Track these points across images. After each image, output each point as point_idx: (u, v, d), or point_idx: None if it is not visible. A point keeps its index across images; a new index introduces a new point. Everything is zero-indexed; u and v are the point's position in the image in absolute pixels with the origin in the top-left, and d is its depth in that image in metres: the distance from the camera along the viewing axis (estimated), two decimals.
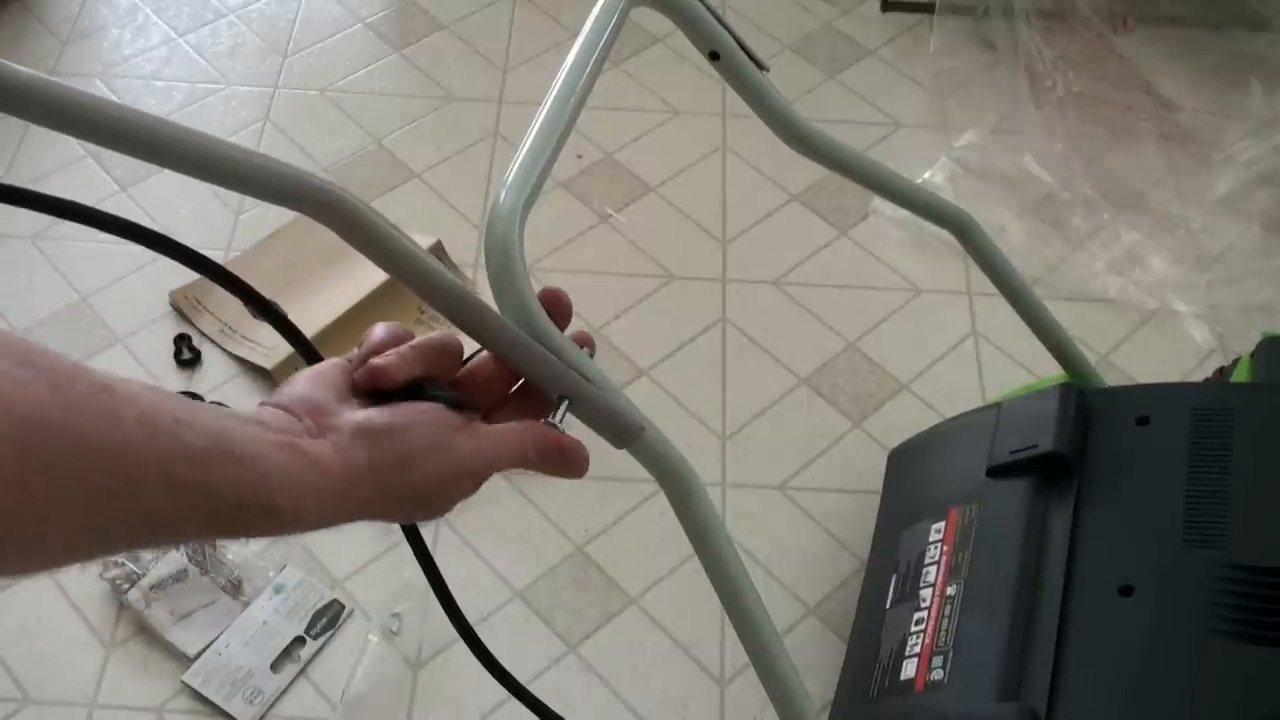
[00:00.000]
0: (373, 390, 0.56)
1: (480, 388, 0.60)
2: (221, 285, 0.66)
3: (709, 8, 0.82)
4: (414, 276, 0.56)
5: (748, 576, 0.77)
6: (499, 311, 0.60)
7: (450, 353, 0.59)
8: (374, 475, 0.53)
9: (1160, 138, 1.76)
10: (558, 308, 0.62)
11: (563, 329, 0.62)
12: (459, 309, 0.57)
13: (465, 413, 0.58)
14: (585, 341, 0.63)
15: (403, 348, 0.57)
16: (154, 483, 0.44)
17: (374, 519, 0.56)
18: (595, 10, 0.73)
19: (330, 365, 0.57)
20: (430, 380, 0.58)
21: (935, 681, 0.99)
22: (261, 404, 0.54)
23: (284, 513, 0.50)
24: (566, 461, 0.60)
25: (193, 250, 0.63)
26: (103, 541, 0.45)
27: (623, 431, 0.65)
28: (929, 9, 1.91)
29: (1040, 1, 1.80)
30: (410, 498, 0.55)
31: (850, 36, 1.93)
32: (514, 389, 0.62)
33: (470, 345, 0.61)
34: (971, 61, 1.87)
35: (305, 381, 0.56)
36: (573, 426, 0.61)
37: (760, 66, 0.88)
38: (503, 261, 0.60)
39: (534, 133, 0.65)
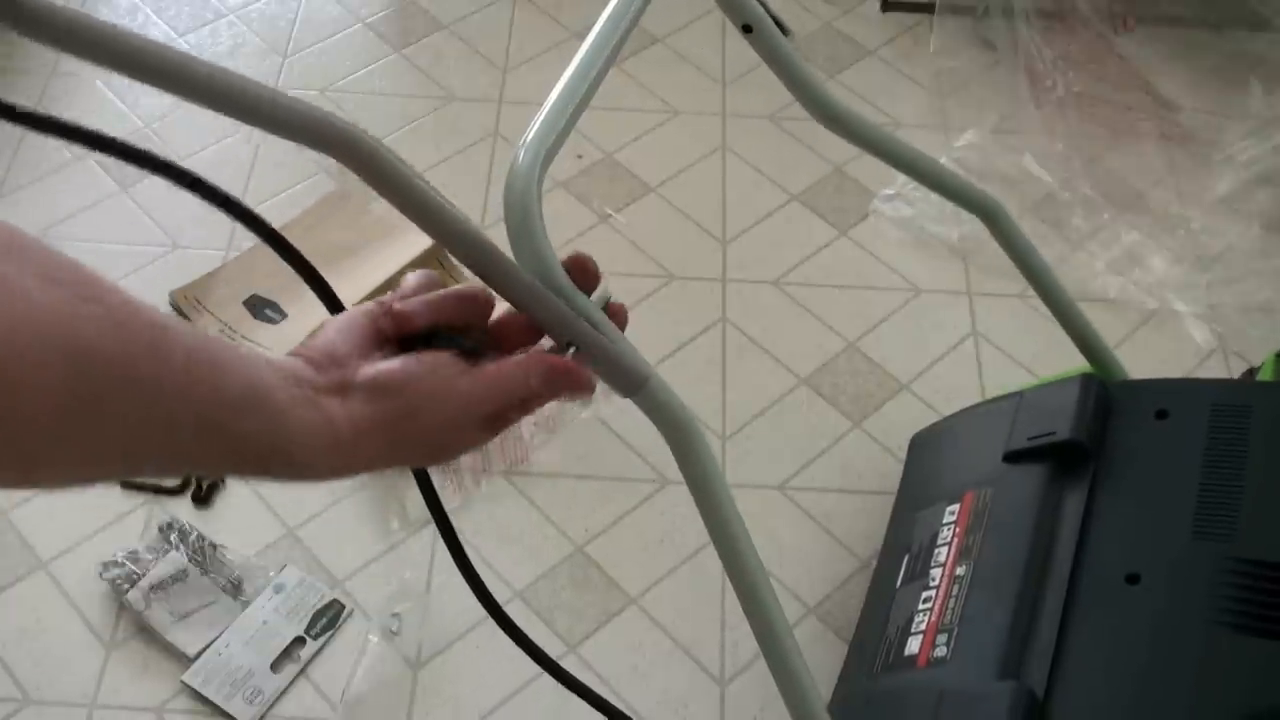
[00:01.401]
0: (396, 336, 0.58)
1: (507, 341, 0.61)
2: (275, 248, 0.65)
3: None
4: (430, 219, 0.57)
5: (746, 531, 0.77)
6: (517, 263, 0.60)
7: (479, 301, 0.60)
8: (381, 429, 0.55)
9: (1160, 138, 1.76)
10: (584, 274, 0.62)
11: (589, 292, 0.62)
12: (471, 251, 0.58)
13: (480, 359, 0.58)
14: (617, 312, 0.64)
15: (429, 295, 0.59)
16: (189, 424, 0.47)
17: (388, 468, 0.58)
18: None
19: (358, 313, 0.59)
20: (451, 329, 0.59)
21: (938, 658, 1.01)
22: (292, 352, 0.56)
23: (298, 462, 0.52)
24: (572, 382, 0.59)
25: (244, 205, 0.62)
26: (130, 467, 0.49)
27: (629, 380, 0.65)
28: (929, 9, 1.91)
29: (1040, 1, 1.80)
30: (419, 444, 0.57)
31: (850, 36, 1.93)
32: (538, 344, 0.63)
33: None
34: (971, 61, 1.87)
35: (332, 331, 0.57)
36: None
37: (784, 31, 0.88)
38: (521, 216, 0.60)
39: (558, 92, 0.65)
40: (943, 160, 1.72)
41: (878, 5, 1.97)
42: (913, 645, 1.04)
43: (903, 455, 1.39)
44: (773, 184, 1.71)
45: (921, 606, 1.07)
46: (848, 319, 1.56)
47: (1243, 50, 1.87)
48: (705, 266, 1.61)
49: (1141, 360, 1.52)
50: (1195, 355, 1.54)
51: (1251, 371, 1.31)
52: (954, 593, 1.05)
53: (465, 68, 1.86)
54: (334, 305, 0.68)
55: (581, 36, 1.86)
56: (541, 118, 0.64)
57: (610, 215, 1.67)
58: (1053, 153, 1.72)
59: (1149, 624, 0.96)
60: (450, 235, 0.57)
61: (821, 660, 1.25)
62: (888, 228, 1.65)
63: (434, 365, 0.56)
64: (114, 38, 0.45)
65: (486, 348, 0.59)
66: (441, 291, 0.59)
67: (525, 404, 0.60)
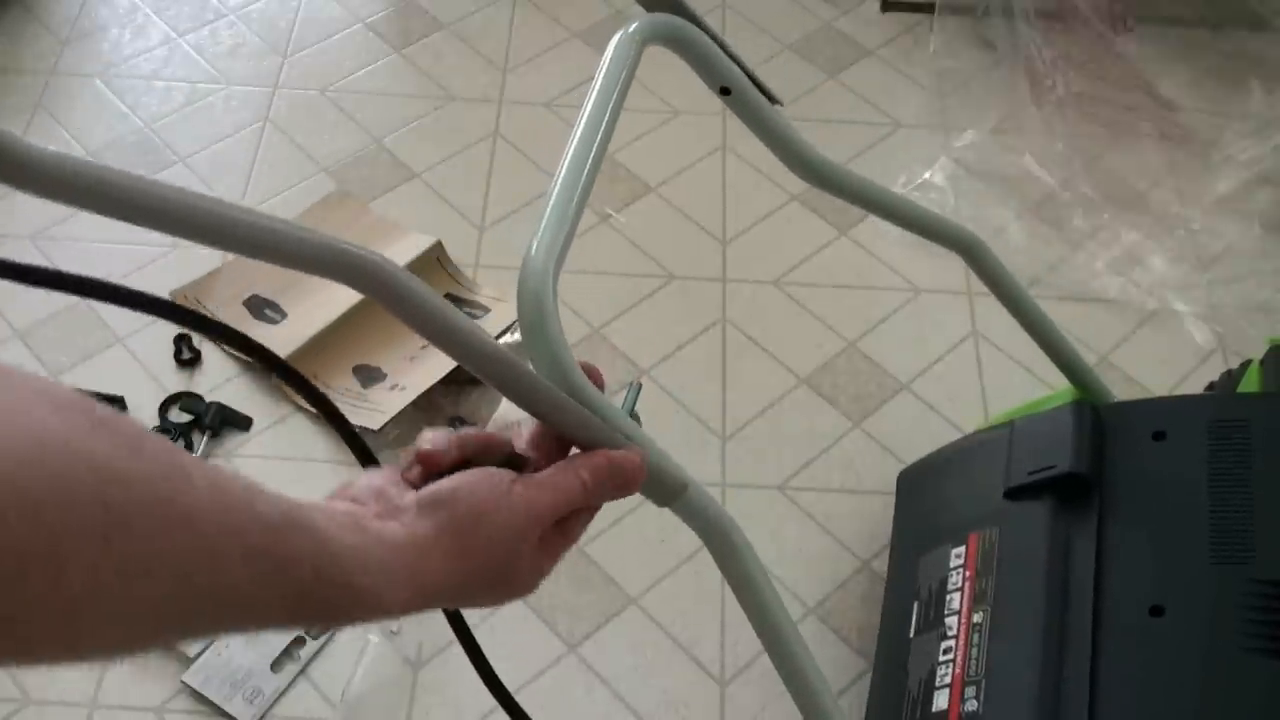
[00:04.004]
0: (425, 478, 0.57)
1: (542, 458, 0.60)
2: (202, 332, 0.65)
3: (721, 44, 0.81)
4: (457, 344, 0.55)
5: (793, 624, 0.76)
6: (533, 366, 0.59)
7: (494, 446, 0.59)
8: (442, 542, 0.52)
9: (1160, 138, 1.76)
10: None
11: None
12: (503, 374, 0.57)
13: (523, 471, 0.58)
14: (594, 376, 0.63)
15: (450, 435, 0.58)
16: (232, 551, 0.43)
17: (459, 601, 0.56)
18: (609, 52, 0.72)
19: (385, 469, 0.58)
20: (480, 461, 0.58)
21: (970, 712, 0.98)
22: (326, 499, 0.54)
23: (364, 592, 0.49)
24: (621, 473, 0.59)
25: (161, 299, 0.62)
26: (187, 616, 0.43)
27: (666, 488, 0.64)
28: (929, 9, 1.91)
29: (1040, 1, 1.80)
30: (487, 562, 0.54)
31: (850, 36, 1.93)
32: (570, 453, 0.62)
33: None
34: (971, 61, 1.87)
35: (365, 477, 0.56)
36: None
37: (773, 100, 0.88)
38: (536, 317, 0.59)
39: (559, 183, 0.64)
40: (942, 160, 1.72)
41: (878, 5, 1.97)
42: (940, 700, 1.02)
43: (903, 455, 1.40)
44: (773, 184, 1.71)
45: (943, 658, 1.05)
46: (848, 319, 1.56)
47: (1243, 50, 1.87)
48: (705, 266, 1.61)
49: (1141, 360, 1.52)
50: (1195, 355, 1.54)
51: (1230, 373, 1.29)
52: (975, 641, 1.03)
53: (465, 68, 1.86)
54: (366, 459, 0.67)
55: (582, 37, 1.87)
56: (550, 206, 0.62)
57: (610, 215, 1.67)
58: (1053, 153, 1.72)
59: (1181, 657, 0.94)
60: (480, 358, 0.56)
61: (822, 660, 1.24)
62: (888, 228, 1.65)
63: (484, 475, 0.55)
64: (117, 186, 0.43)
65: (525, 465, 0.59)
66: (462, 433, 0.58)
67: (583, 513, 0.59)
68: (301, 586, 0.47)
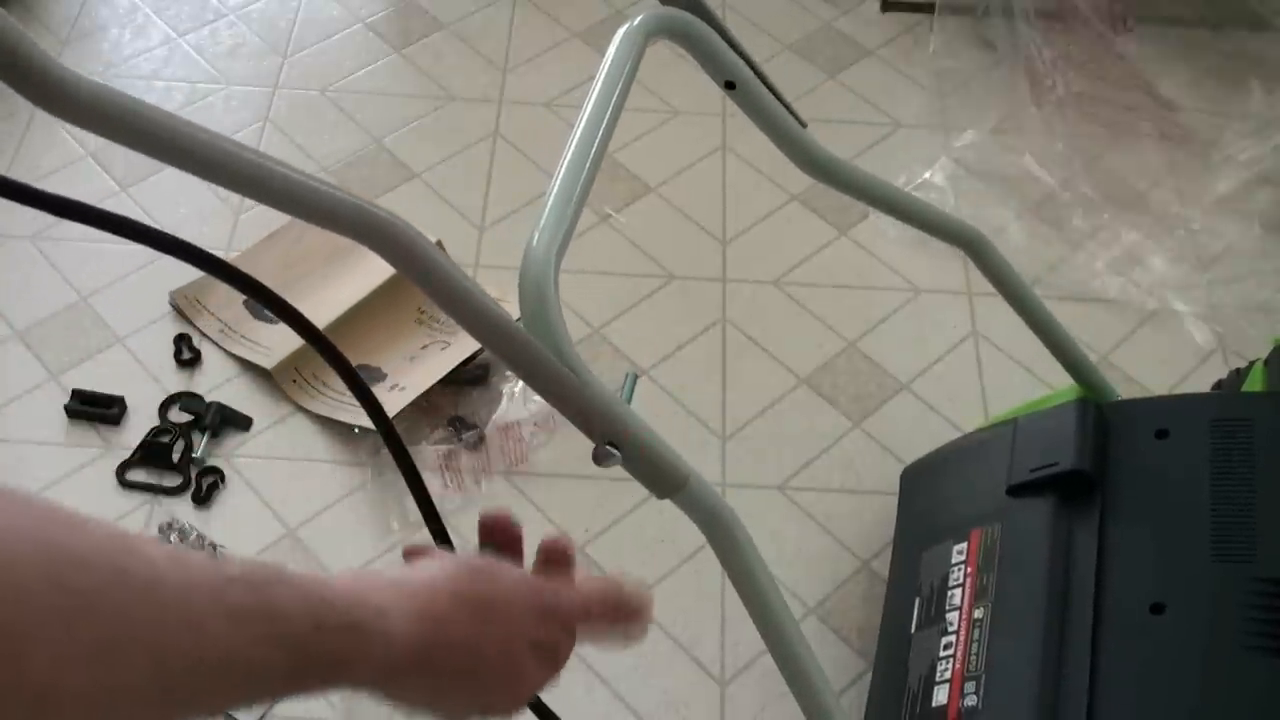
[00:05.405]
0: None
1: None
2: (231, 284, 0.66)
3: (729, 39, 0.81)
4: (468, 313, 0.55)
5: (793, 620, 0.77)
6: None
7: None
8: (455, 582, 0.51)
9: (1160, 138, 1.76)
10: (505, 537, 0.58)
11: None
12: (512, 349, 0.57)
13: None
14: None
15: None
16: (211, 612, 0.40)
17: (461, 669, 0.51)
18: (613, 46, 0.72)
19: None
20: None
21: (969, 708, 0.98)
22: None
23: (367, 628, 0.46)
24: (626, 610, 0.57)
25: (203, 250, 0.63)
26: (180, 691, 0.40)
27: (668, 479, 0.64)
28: (929, 9, 1.91)
29: (1040, 1, 1.80)
30: (493, 623, 0.52)
31: (850, 36, 1.93)
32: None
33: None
34: (971, 61, 1.87)
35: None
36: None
37: (801, 124, 0.89)
38: (538, 306, 0.59)
39: (562, 174, 0.64)
40: (942, 160, 1.72)
41: (878, 5, 1.97)
42: (940, 695, 1.02)
43: (903, 455, 1.40)
44: (773, 184, 1.71)
45: (943, 653, 1.05)
46: (848, 319, 1.56)
47: (1243, 50, 1.87)
48: (705, 266, 1.61)
49: (1141, 360, 1.52)
50: (1195, 355, 1.53)
51: (1239, 372, 1.29)
52: (975, 637, 1.03)
53: (465, 68, 1.86)
54: (307, 331, 0.67)
55: (581, 37, 1.86)
56: (552, 197, 0.63)
57: (610, 215, 1.67)
58: (1053, 153, 1.72)
59: (1181, 655, 0.94)
60: (490, 330, 0.56)
61: (822, 660, 1.24)
62: (888, 227, 1.65)
63: (477, 556, 0.54)
64: (149, 119, 0.43)
65: None
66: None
67: (567, 641, 0.57)
68: (300, 639, 0.44)
